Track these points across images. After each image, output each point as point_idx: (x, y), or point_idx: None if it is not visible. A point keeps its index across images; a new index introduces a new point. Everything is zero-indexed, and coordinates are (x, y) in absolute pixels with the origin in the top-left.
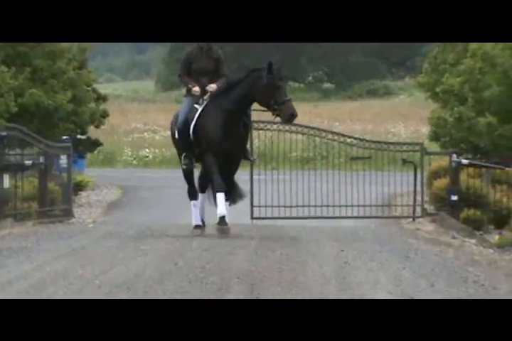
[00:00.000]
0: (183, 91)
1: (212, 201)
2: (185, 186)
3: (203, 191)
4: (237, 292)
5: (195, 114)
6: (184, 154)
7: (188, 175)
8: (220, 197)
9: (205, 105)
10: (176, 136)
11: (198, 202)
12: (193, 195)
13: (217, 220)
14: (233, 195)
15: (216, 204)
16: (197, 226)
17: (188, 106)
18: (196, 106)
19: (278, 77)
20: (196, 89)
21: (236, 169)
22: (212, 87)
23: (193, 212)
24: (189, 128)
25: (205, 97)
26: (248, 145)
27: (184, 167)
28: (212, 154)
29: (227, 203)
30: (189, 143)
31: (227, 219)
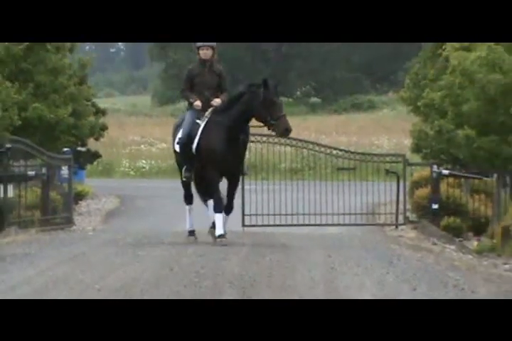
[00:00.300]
0: (182, 105)
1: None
2: (180, 196)
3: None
4: (229, 295)
5: (198, 129)
6: (185, 167)
7: (187, 185)
8: (219, 218)
9: (208, 121)
10: (178, 149)
11: (192, 207)
12: (188, 200)
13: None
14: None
15: (214, 223)
16: (190, 232)
17: (190, 121)
18: (198, 121)
19: (274, 92)
20: (197, 103)
21: (236, 185)
22: (217, 101)
23: (188, 217)
24: (192, 143)
25: (206, 113)
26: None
27: (185, 179)
28: (214, 170)
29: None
30: (191, 157)
31: (225, 235)
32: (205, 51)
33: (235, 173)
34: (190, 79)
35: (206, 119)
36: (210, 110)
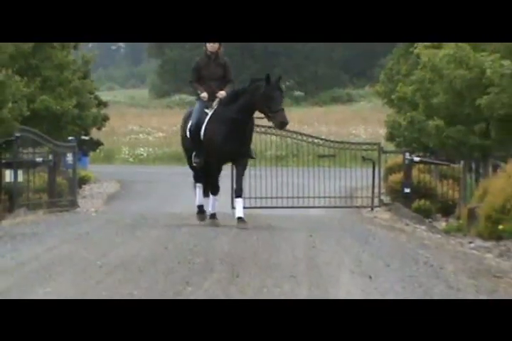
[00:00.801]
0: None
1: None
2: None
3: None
4: (219, 271)
5: (205, 118)
6: (195, 153)
7: (196, 168)
8: (239, 201)
9: (214, 111)
10: (188, 136)
11: (201, 185)
12: (198, 179)
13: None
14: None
15: (234, 206)
16: (200, 206)
17: (199, 110)
18: (206, 110)
19: (275, 87)
20: (204, 95)
21: (243, 170)
22: (221, 93)
23: (197, 193)
24: (200, 130)
25: (214, 103)
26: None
27: (195, 165)
28: (214, 158)
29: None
30: (200, 144)
31: (244, 217)
32: (212, 44)
33: (238, 160)
34: (198, 71)
35: (213, 110)
36: (216, 101)
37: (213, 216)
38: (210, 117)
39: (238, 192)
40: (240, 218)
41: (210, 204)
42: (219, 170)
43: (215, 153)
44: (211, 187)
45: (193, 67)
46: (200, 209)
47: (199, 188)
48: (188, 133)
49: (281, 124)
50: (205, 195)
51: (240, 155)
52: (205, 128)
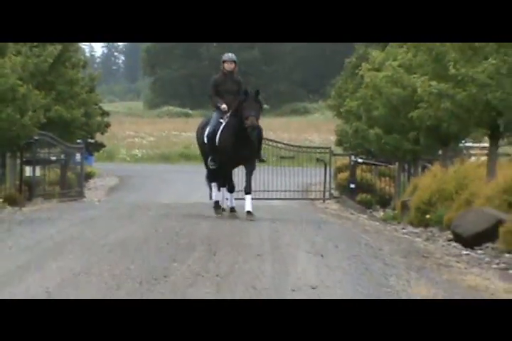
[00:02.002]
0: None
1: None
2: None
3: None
4: (200, 250)
5: (219, 127)
6: (211, 157)
7: (212, 170)
8: (248, 198)
9: (225, 122)
10: (205, 142)
11: (216, 184)
12: (213, 179)
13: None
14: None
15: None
16: (216, 202)
17: (215, 120)
18: (221, 120)
19: (251, 98)
20: (224, 106)
21: (251, 169)
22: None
23: (214, 190)
24: (215, 137)
25: (227, 114)
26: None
27: (211, 167)
28: (225, 161)
29: (250, 196)
30: (215, 149)
31: (252, 211)
32: (229, 64)
33: (247, 163)
34: (216, 87)
35: (225, 121)
36: (229, 113)
37: (233, 209)
38: (223, 127)
39: (247, 190)
40: (248, 211)
41: (229, 200)
42: (231, 172)
43: (227, 157)
44: (228, 186)
45: (211, 84)
46: (217, 205)
47: (214, 187)
48: (205, 139)
49: (250, 127)
50: (220, 191)
51: (248, 159)
52: (220, 136)
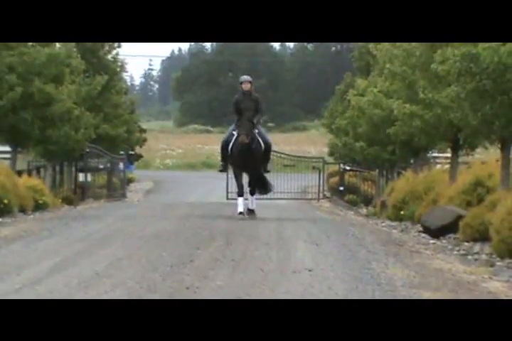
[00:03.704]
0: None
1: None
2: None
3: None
4: (219, 240)
5: (232, 139)
6: (221, 163)
7: (236, 177)
8: (251, 198)
9: (236, 136)
10: (219, 150)
11: (243, 198)
12: (239, 192)
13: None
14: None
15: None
16: (240, 213)
17: (229, 132)
18: (234, 132)
19: (245, 118)
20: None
21: (253, 178)
22: None
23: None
24: (228, 146)
25: (239, 129)
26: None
27: (218, 169)
28: (235, 167)
29: (253, 197)
30: (227, 157)
31: (255, 211)
32: (246, 85)
33: (249, 171)
34: (236, 105)
35: (236, 134)
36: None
37: (251, 211)
38: (235, 138)
39: (251, 192)
40: (250, 210)
41: (250, 202)
42: (241, 178)
43: (234, 164)
44: (240, 191)
45: (233, 102)
46: (240, 214)
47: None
48: (220, 148)
49: (240, 144)
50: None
51: (251, 169)
52: (231, 147)
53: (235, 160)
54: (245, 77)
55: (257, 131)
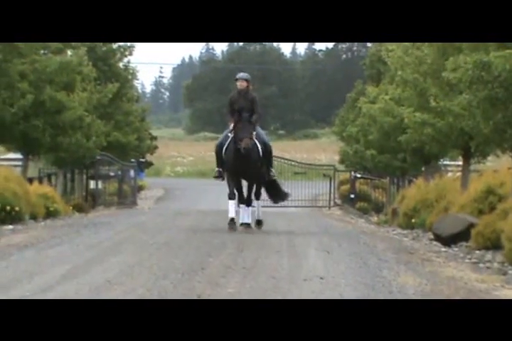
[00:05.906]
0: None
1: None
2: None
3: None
4: (230, 248)
5: (226, 141)
6: (217, 169)
7: (230, 184)
8: (244, 208)
9: (230, 139)
10: (214, 153)
11: (234, 201)
12: (231, 196)
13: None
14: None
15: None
16: (232, 219)
17: (225, 134)
18: (229, 134)
19: (245, 120)
20: (230, 124)
21: (251, 185)
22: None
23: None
24: (222, 149)
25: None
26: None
27: (213, 176)
28: (229, 173)
29: (259, 204)
30: (222, 160)
31: (250, 223)
32: (241, 83)
33: (249, 179)
34: (230, 105)
35: (231, 136)
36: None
37: (246, 225)
38: (229, 142)
39: (247, 203)
40: (243, 224)
41: (243, 215)
42: (239, 185)
43: (230, 171)
44: (241, 200)
45: (227, 102)
46: (231, 221)
47: (231, 205)
48: (215, 151)
49: (243, 149)
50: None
51: (249, 176)
52: (225, 150)
53: (232, 167)
54: (241, 74)
55: (255, 132)
